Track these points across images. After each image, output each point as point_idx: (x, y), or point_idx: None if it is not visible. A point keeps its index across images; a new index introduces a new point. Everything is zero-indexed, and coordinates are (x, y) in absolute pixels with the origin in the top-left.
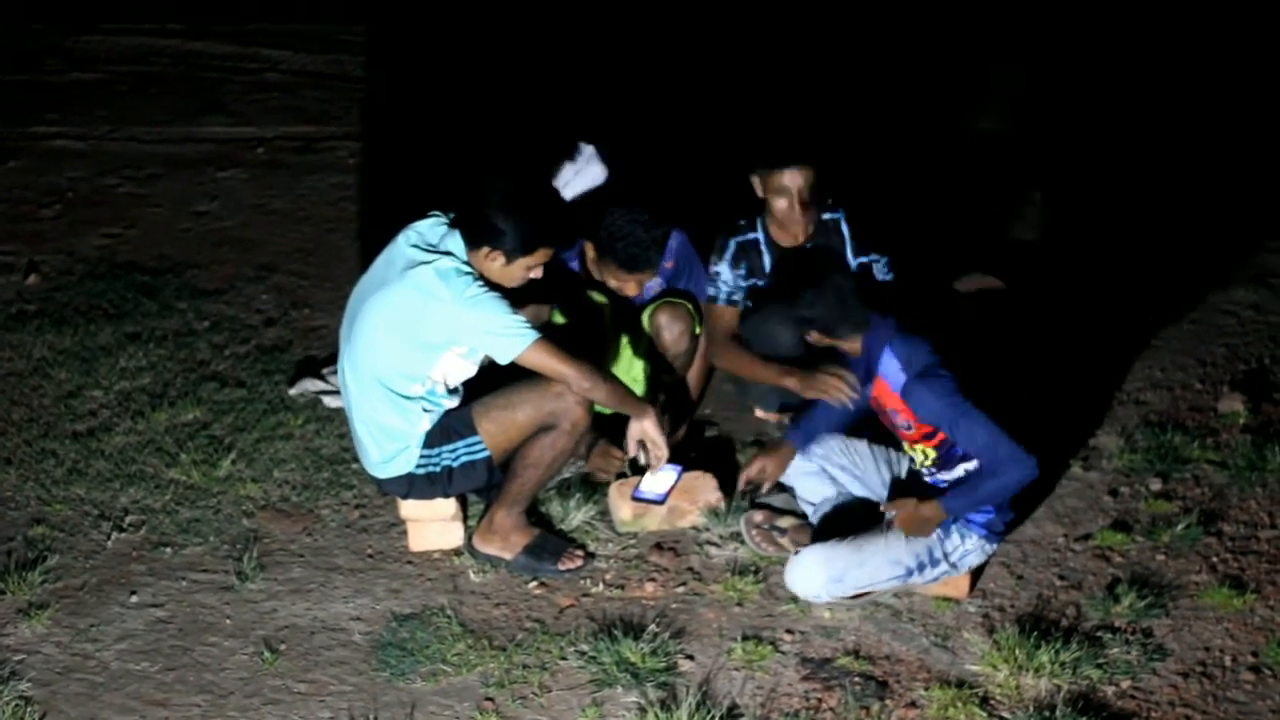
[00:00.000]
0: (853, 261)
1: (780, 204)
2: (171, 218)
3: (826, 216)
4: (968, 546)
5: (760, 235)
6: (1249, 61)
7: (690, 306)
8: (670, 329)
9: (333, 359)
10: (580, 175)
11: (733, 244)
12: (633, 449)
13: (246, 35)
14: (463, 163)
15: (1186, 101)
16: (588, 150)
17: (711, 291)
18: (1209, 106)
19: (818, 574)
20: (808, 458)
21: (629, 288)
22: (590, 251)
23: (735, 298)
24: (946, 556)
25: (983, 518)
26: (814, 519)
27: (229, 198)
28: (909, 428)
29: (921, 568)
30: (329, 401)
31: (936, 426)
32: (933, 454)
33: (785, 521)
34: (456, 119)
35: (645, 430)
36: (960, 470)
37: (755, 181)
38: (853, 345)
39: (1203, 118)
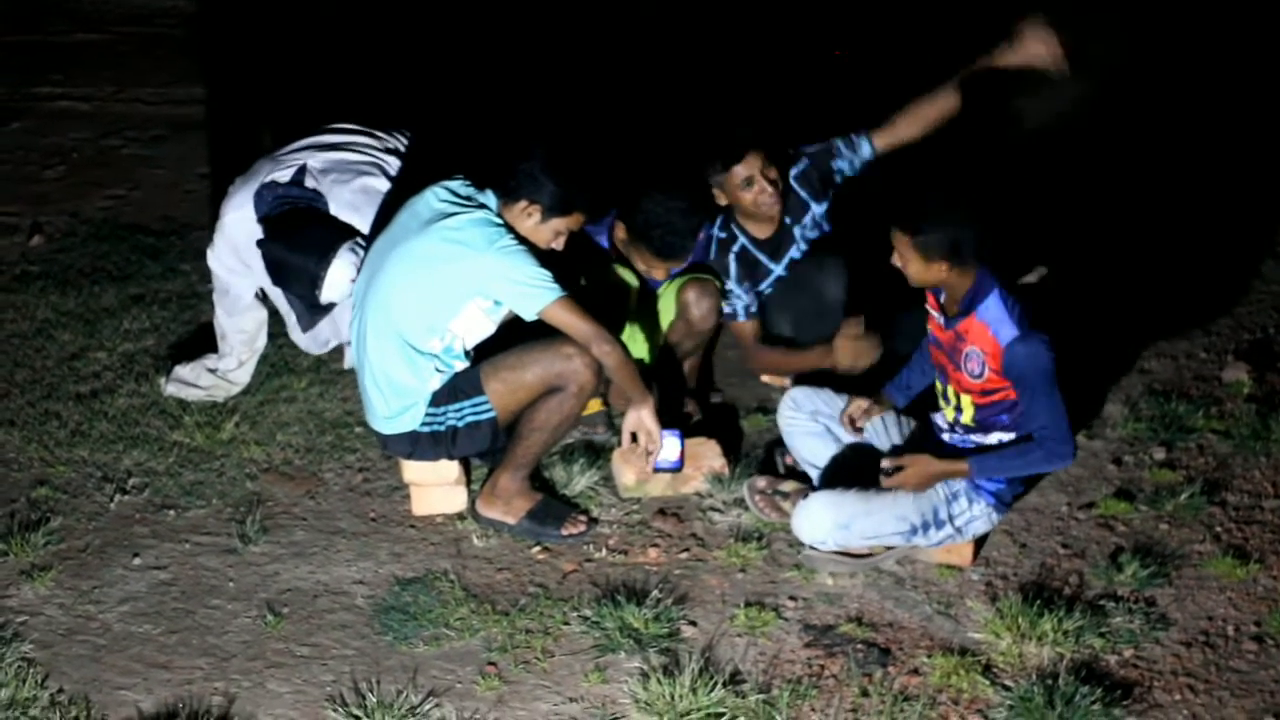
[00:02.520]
0: (819, 209)
1: (747, 198)
2: (176, 179)
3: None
4: (974, 513)
5: (743, 239)
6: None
7: (717, 283)
8: (699, 305)
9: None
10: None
11: (731, 259)
12: (626, 438)
13: None
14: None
15: (1194, 81)
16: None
17: (728, 310)
18: (1216, 87)
19: (825, 518)
20: (813, 418)
21: (657, 272)
22: (621, 232)
23: (752, 310)
24: (952, 520)
25: (993, 486)
26: (817, 482)
27: (233, 159)
28: (979, 375)
29: (926, 528)
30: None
31: (1016, 388)
32: (972, 411)
33: (788, 486)
34: (459, 87)
35: (643, 420)
36: (995, 438)
37: (716, 193)
38: (964, 278)
39: (1208, 97)
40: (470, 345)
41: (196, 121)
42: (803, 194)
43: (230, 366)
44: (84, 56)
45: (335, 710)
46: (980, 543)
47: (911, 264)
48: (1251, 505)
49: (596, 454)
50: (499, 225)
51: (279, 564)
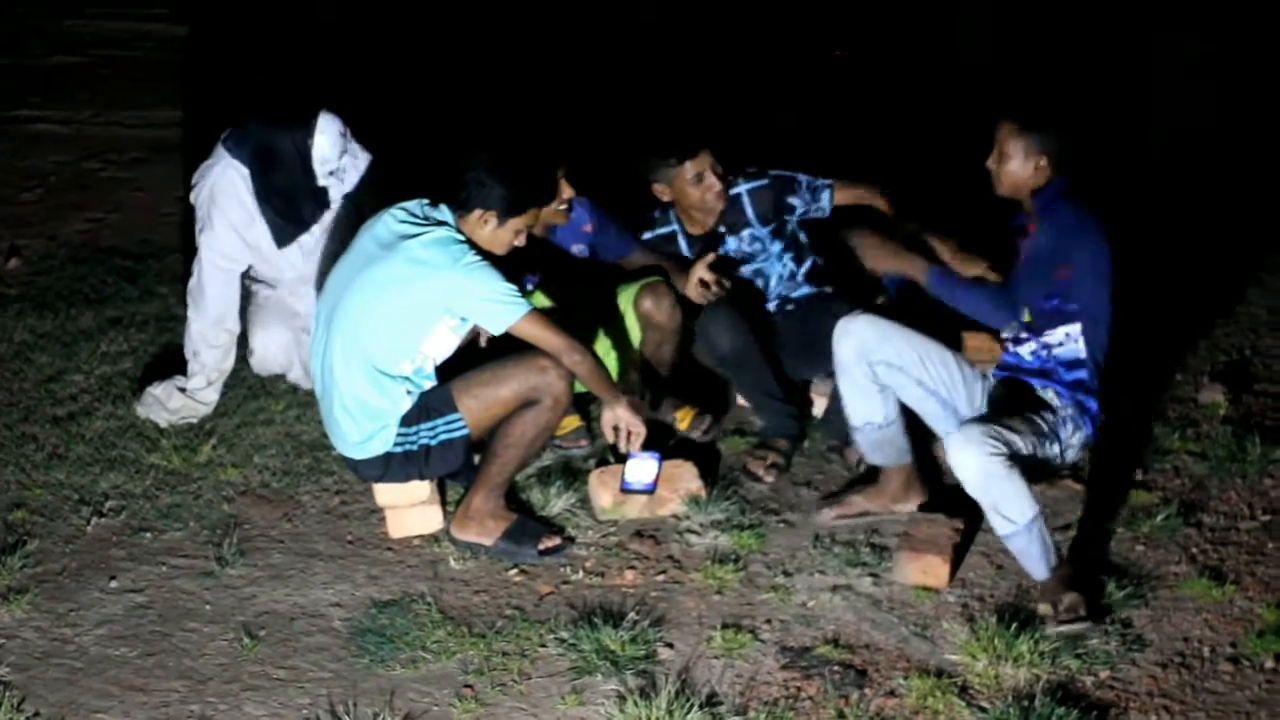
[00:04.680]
0: (761, 230)
1: (694, 193)
2: (154, 202)
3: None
4: (1073, 442)
5: (676, 226)
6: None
7: (667, 283)
8: (660, 308)
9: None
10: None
11: (646, 238)
12: (609, 435)
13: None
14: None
15: (1167, 97)
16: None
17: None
18: (1192, 104)
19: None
20: (871, 377)
21: (558, 218)
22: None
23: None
24: (1061, 441)
25: (1096, 410)
26: (856, 439)
27: None
28: (1045, 268)
29: (1044, 440)
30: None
31: (1069, 262)
32: (1028, 314)
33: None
34: (436, 109)
35: (620, 416)
36: (1060, 333)
37: (659, 188)
38: (1047, 183)
39: (1187, 111)
40: (439, 362)
41: (175, 144)
42: (748, 209)
43: (199, 385)
44: (63, 79)
45: None
46: (956, 564)
47: (1012, 160)
48: (1227, 527)
49: (573, 476)
50: (460, 242)
51: (256, 587)
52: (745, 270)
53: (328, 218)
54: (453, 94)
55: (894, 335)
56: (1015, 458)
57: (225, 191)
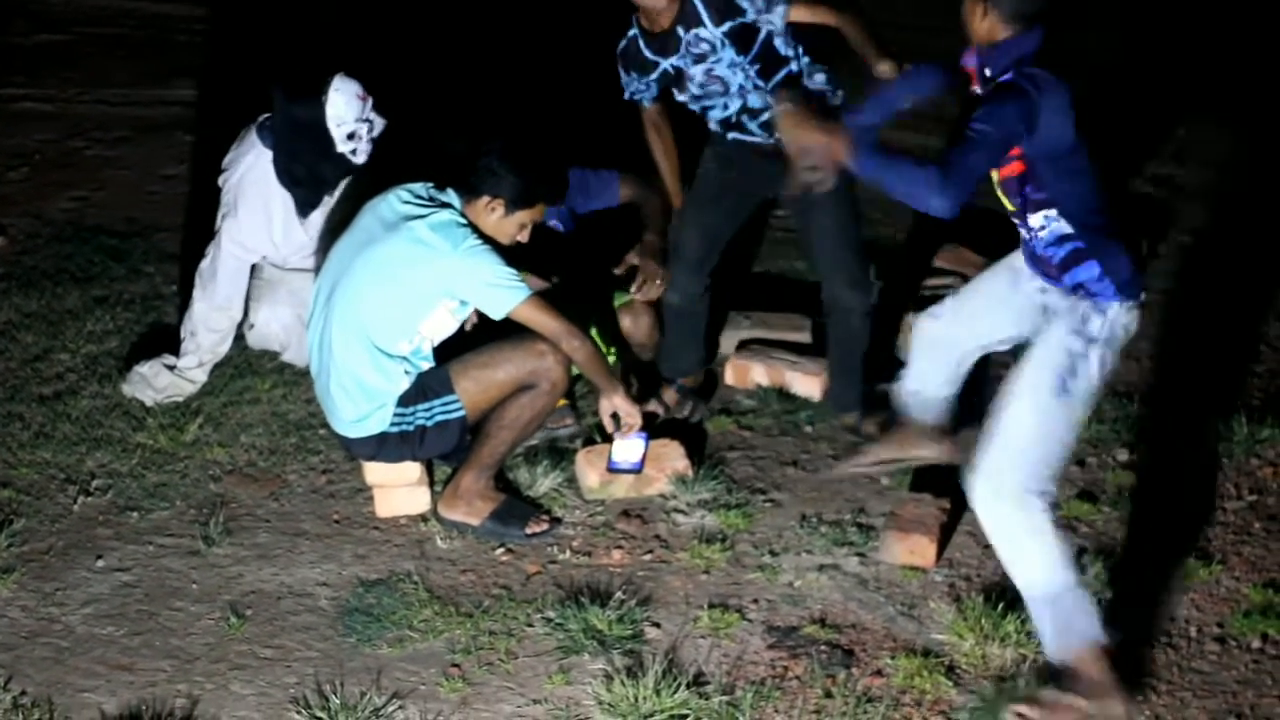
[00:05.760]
0: (715, 32)
1: None
2: (139, 181)
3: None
4: (1111, 316)
5: (636, 32)
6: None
7: (642, 305)
8: (639, 327)
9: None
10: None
11: (619, 58)
12: (608, 424)
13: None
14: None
15: (1159, 91)
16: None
17: (628, 96)
18: (1185, 101)
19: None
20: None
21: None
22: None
23: (652, 93)
24: (1091, 341)
25: (1099, 272)
26: (905, 397)
27: (197, 161)
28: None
29: (1073, 377)
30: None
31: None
32: (999, 190)
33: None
34: (428, 89)
35: (617, 404)
36: (1040, 217)
37: None
38: (988, 21)
39: (1167, 85)
40: (437, 343)
41: (160, 123)
42: (701, 9)
43: (190, 365)
44: (47, 57)
45: (299, 712)
46: (943, 544)
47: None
48: (1214, 507)
49: (560, 456)
50: (464, 225)
51: (242, 566)
52: (698, 71)
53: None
54: (451, 86)
55: (961, 331)
56: (1051, 497)
57: (255, 182)
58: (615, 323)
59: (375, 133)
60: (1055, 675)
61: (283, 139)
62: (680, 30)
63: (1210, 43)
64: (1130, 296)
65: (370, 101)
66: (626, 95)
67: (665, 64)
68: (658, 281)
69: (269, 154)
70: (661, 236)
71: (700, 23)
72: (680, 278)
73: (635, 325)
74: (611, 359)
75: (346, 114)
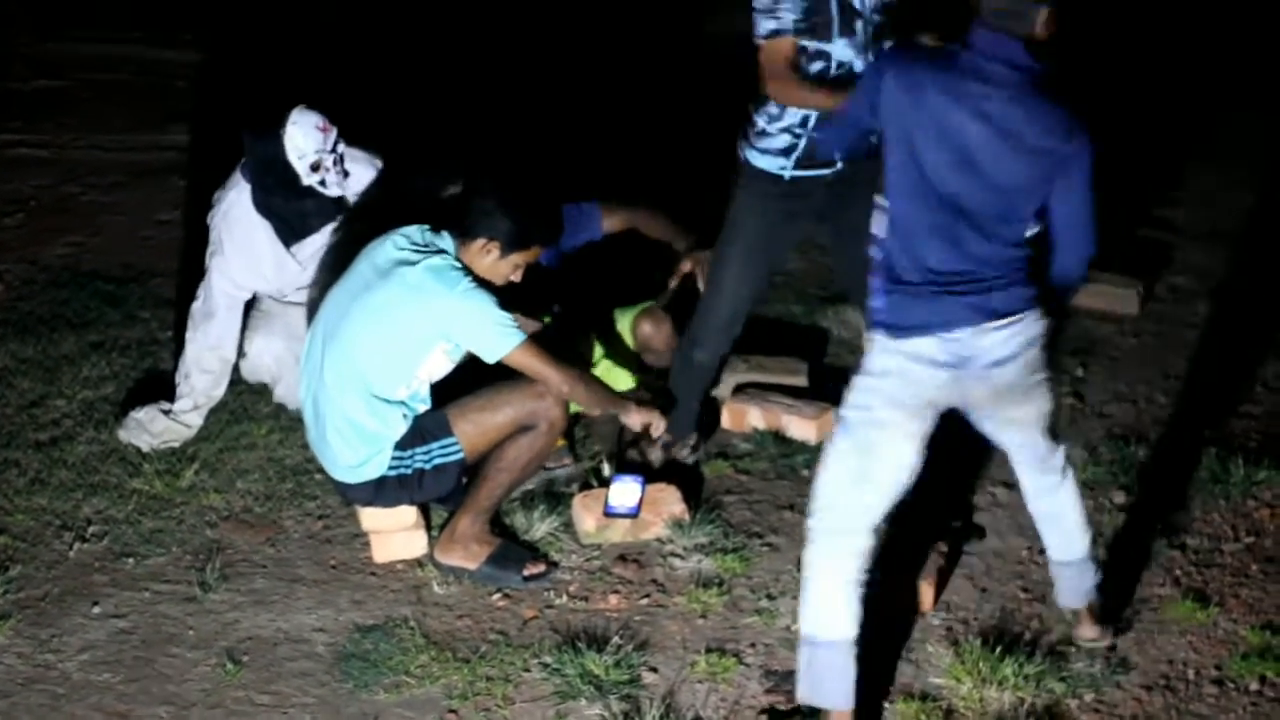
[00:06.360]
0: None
1: None
2: (135, 226)
3: None
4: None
5: None
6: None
7: (660, 310)
8: (659, 333)
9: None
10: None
11: None
12: (639, 428)
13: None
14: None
15: (1149, 108)
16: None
17: (773, 25)
18: (1173, 114)
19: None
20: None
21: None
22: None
23: (801, 26)
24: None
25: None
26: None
27: (192, 206)
28: None
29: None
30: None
31: None
32: None
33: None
34: (424, 130)
35: (635, 420)
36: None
37: None
38: None
39: (1165, 126)
40: (432, 384)
41: (156, 168)
42: None
43: (185, 408)
44: (44, 103)
45: None
46: (940, 587)
47: None
48: (1211, 549)
49: (557, 500)
50: (458, 269)
51: (239, 612)
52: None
53: (332, 228)
54: (442, 116)
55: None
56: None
57: (239, 218)
58: (626, 347)
59: (365, 173)
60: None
61: (255, 175)
62: None
63: (1208, 84)
64: (882, 332)
65: (334, 132)
66: (771, 26)
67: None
68: (661, 422)
69: (249, 188)
70: (688, 231)
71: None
72: (714, 337)
73: (656, 331)
74: (633, 382)
75: (306, 146)
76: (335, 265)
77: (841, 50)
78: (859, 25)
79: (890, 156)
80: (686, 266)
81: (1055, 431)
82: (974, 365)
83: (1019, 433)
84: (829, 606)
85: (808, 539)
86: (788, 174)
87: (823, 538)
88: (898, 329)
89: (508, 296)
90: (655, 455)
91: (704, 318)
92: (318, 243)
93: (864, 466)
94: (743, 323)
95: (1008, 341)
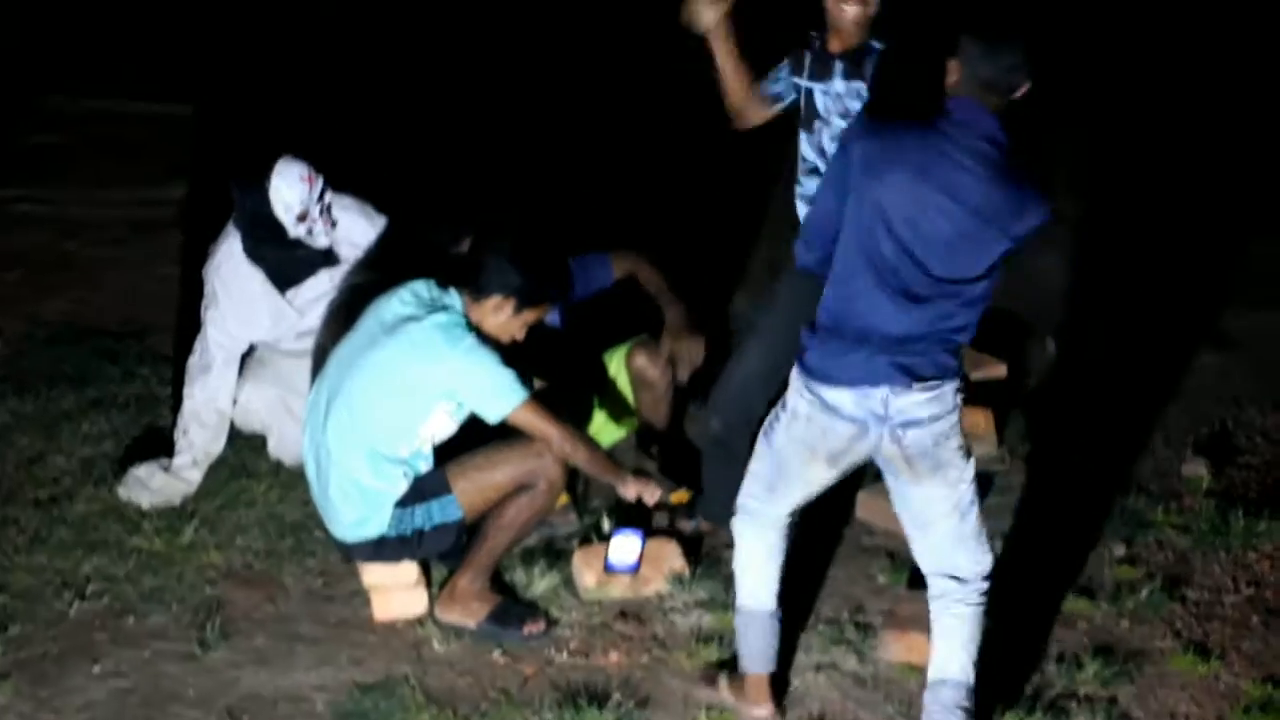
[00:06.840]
0: (841, 84)
1: (834, 7)
2: (135, 282)
3: (874, 44)
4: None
5: (818, 43)
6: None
7: (653, 340)
8: (654, 364)
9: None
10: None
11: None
12: (633, 498)
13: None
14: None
15: (1143, 150)
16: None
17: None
18: (1170, 155)
19: None
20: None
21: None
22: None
23: (775, 88)
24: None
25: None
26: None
27: (192, 261)
28: None
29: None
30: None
31: None
32: None
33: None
34: (429, 173)
35: (631, 492)
36: None
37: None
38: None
39: (1163, 169)
40: (437, 443)
41: (156, 223)
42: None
43: (184, 464)
44: (44, 158)
45: None
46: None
47: None
48: (1212, 601)
49: (557, 556)
50: (462, 327)
51: (239, 670)
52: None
53: (328, 275)
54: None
55: None
56: None
57: (233, 269)
58: (617, 394)
59: (332, 212)
60: None
61: (245, 228)
62: (842, 66)
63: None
64: (804, 375)
65: (320, 181)
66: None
67: (817, 86)
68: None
69: (242, 239)
70: (678, 299)
71: (842, 76)
72: (728, 405)
73: (651, 363)
74: (624, 431)
75: (291, 198)
76: (342, 317)
77: (802, 143)
78: (816, 125)
79: (847, 209)
80: (665, 350)
81: (974, 540)
82: (886, 424)
83: (928, 532)
84: (749, 578)
85: (735, 516)
86: None
87: (742, 518)
88: (819, 375)
89: (509, 354)
90: (686, 527)
91: (722, 382)
92: (315, 288)
93: (774, 481)
94: (762, 401)
95: (925, 405)
